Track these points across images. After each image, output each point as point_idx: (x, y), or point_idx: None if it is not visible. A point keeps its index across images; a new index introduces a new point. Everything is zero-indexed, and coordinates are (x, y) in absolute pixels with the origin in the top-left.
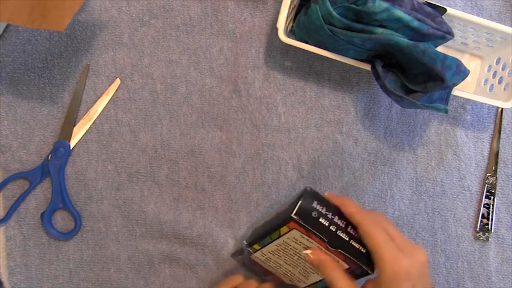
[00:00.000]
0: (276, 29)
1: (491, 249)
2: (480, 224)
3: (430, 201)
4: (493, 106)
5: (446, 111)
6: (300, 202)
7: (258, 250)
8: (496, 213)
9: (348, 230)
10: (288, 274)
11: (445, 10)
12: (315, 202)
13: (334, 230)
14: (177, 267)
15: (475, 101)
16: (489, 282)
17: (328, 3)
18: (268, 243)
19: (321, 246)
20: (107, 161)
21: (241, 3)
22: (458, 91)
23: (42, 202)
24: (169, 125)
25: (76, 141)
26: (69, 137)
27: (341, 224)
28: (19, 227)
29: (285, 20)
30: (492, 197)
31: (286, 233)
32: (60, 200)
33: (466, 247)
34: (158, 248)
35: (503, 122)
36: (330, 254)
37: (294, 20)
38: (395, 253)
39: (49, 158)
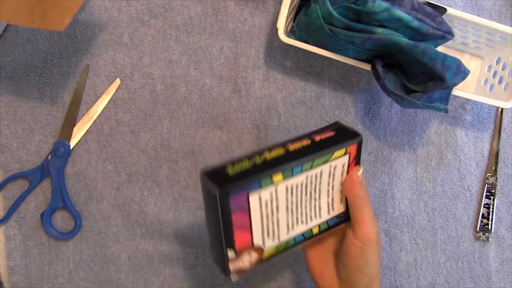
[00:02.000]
0: (276, 29)
1: (491, 249)
2: (480, 224)
3: (430, 201)
4: (493, 106)
5: (446, 111)
6: (354, 128)
7: (272, 185)
8: (496, 213)
9: None
10: (270, 228)
11: (445, 10)
12: None
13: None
14: (177, 267)
15: (475, 101)
16: (489, 282)
17: (328, 3)
18: (299, 173)
19: None
20: (107, 161)
21: (241, 3)
22: (458, 91)
23: (42, 202)
24: (169, 125)
25: (76, 141)
26: (69, 137)
27: None
28: (19, 227)
29: (285, 20)
30: (492, 197)
31: (337, 158)
32: (60, 200)
33: (466, 247)
34: (158, 248)
35: (503, 122)
36: None
37: (294, 20)
38: (373, 224)
39: (49, 158)
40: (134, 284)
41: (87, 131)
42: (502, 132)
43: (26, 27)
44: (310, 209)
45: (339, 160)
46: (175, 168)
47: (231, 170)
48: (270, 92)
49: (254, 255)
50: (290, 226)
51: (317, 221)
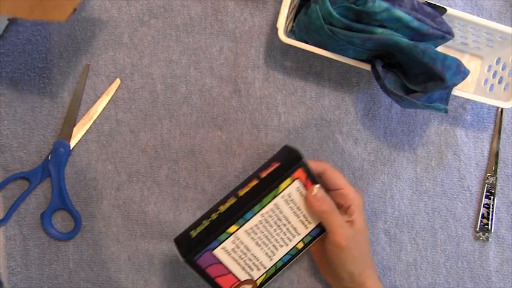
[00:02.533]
0: (276, 29)
1: (491, 249)
2: (480, 224)
3: (430, 201)
4: (493, 106)
5: (446, 111)
6: (298, 150)
7: (231, 235)
8: (496, 213)
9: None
10: (250, 263)
11: (445, 10)
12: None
13: (318, 180)
14: (177, 267)
15: (475, 101)
16: (489, 282)
17: (328, 3)
18: (253, 216)
19: None
20: (107, 161)
21: (241, 3)
22: (458, 91)
23: (42, 202)
24: (169, 125)
25: (76, 141)
26: (69, 137)
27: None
28: (19, 227)
29: (285, 20)
30: (492, 197)
31: (286, 188)
32: (60, 200)
33: (466, 247)
34: (158, 248)
35: (503, 122)
36: None
37: (294, 20)
38: (344, 231)
39: (49, 158)
40: (134, 284)
41: (87, 131)
42: (502, 132)
43: (28, 20)
44: (284, 233)
45: (290, 188)
46: (175, 168)
47: (193, 233)
48: (270, 92)
49: (247, 287)
50: (270, 254)
51: (297, 238)
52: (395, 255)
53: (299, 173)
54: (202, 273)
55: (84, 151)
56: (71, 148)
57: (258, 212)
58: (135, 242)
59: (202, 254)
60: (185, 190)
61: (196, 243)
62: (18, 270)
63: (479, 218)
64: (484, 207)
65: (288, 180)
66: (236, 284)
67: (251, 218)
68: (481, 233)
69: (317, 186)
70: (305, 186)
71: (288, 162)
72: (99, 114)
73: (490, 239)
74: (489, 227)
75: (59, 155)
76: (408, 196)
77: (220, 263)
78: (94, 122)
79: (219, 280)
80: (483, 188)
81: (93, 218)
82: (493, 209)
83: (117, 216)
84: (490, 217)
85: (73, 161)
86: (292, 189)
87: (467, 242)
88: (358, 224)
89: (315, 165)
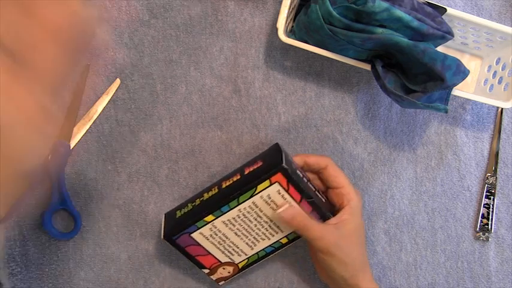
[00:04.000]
0: (276, 29)
1: (491, 249)
2: (480, 224)
3: (430, 201)
4: (493, 106)
5: (446, 111)
6: (283, 153)
7: (208, 223)
8: (495, 213)
9: (311, 181)
10: (230, 249)
11: (445, 10)
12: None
13: (306, 181)
14: (177, 267)
15: (475, 101)
16: (489, 282)
17: (328, 3)
18: (229, 210)
19: (294, 199)
20: (107, 161)
21: (241, 3)
22: (458, 91)
23: (42, 202)
24: (169, 125)
25: (76, 141)
26: (69, 137)
27: (306, 176)
28: (19, 227)
29: (285, 20)
30: (492, 197)
31: (264, 189)
32: (60, 200)
33: (466, 247)
34: (158, 248)
35: (503, 122)
36: (301, 206)
37: (294, 20)
38: (326, 238)
39: (49, 158)
40: (134, 284)
41: (87, 131)
42: (501, 132)
43: None
44: (266, 229)
45: (269, 190)
46: (175, 168)
47: (178, 214)
48: (270, 92)
49: (229, 268)
50: (251, 244)
51: (281, 235)
52: (396, 255)
53: (278, 177)
54: (182, 250)
55: (84, 151)
56: (71, 148)
57: (235, 207)
58: (135, 242)
59: (181, 235)
60: (185, 190)
61: (177, 224)
62: (18, 270)
63: (479, 218)
64: (484, 207)
65: (265, 183)
66: (217, 264)
67: (228, 211)
68: (481, 233)
69: (286, 206)
70: (287, 190)
71: (269, 163)
72: (99, 114)
73: (490, 239)
74: (489, 227)
75: (59, 155)
76: (408, 196)
77: (199, 244)
78: (94, 122)
79: (199, 258)
80: (483, 188)
81: (93, 218)
82: (493, 209)
83: (117, 216)
84: (490, 217)
85: (73, 161)
86: (271, 191)
87: (467, 242)
88: (348, 226)
89: (316, 160)
